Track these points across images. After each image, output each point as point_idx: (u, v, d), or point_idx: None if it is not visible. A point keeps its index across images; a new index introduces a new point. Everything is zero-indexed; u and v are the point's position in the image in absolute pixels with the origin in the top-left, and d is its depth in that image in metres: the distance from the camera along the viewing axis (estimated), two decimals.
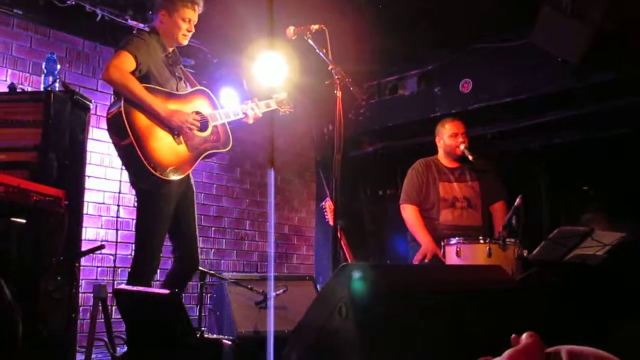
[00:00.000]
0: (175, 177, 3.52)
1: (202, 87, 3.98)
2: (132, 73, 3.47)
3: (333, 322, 1.94)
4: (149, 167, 3.36)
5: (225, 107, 4.06)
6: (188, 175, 3.79)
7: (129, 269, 3.83)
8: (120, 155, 3.59)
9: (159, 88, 3.62)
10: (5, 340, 1.88)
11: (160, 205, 3.60)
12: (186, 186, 3.83)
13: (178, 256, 3.90)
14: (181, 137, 3.61)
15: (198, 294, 4.47)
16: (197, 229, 3.97)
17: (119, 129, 3.42)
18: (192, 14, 3.82)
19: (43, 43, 5.12)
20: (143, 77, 3.55)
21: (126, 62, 3.47)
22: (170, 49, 3.85)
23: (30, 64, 5.00)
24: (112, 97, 3.88)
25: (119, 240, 5.46)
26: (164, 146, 3.54)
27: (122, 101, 3.41)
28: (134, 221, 3.90)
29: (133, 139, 3.36)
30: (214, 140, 3.83)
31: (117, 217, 5.49)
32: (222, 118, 3.88)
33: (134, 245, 3.87)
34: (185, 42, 3.89)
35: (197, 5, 3.83)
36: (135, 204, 5.11)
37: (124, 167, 3.74)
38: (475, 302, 2.08)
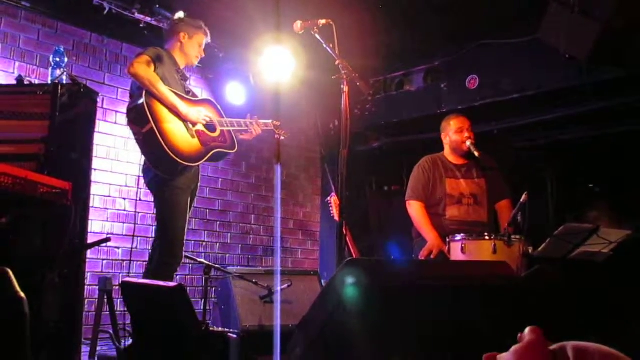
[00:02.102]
0: (188, 164, 3.82)
1: (209, 98, 4.34)
2: None
3: (337, 317, 1.95)
4: (168, 150, 3.65)
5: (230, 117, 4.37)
6: (198, 174, 4.14)
7: (154, 262, 4.01)
8: (141, 144, 3.83)
9: (173, 90, 3.94)
10: (15, 334, 1.89)
11: (178, 198, 3.90)
12: (195, 185, 4.14)
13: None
14: (194, 132, 3.93)
15: (203, 288, 4.47)
16: None
17: (140, 118, 3.72)
18: (204, 41, 4.33)
19: (51, 36, 5.13)
20: None
21: (147, 62, 3.85)
22: (181, 67, 4.23)
23: (38, 56, 5.02)
24: (129, 97, 4.10)
25: (124, 233, 5.49)
26: (180, 136, 3.85)
27: (144, 93, 3.74)
28: (156, 216, 4.09)
29: (154, 124, 3.66)
30: (222, 141, 4.14)
31: (135, 210, 5.52)
32: (227, 125, 4.21)
33: (158, 239, 4.02)
34: (195, 64, 4.39)
35: (209, 35, 4.36)
36: (141, 198, 5.16)
37: (143, 157, 3.93)
38: (480, 298, 2.09)
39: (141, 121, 3.73)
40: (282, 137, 4.65)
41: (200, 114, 4.00)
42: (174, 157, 3.69)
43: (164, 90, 3.81)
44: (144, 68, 3.79)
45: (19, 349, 1.88)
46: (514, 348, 0.93)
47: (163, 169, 3.82)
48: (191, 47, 4.22)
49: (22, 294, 1.99)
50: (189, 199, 4.04)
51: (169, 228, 3.92)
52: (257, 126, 4.36)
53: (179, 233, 3.92)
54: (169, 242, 3.92)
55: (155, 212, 4.09)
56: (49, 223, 2.79)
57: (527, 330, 0.94)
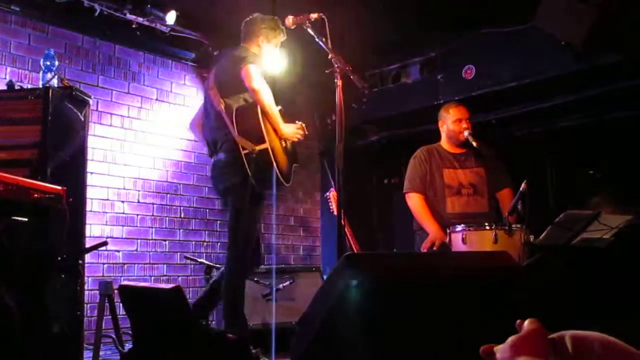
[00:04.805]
0: (288, 184, 3.98)
1: None
2: None
3: (337, 313, 1.92)
4: (278, 172, 3.77)
5: None
6: None
7: (231, 268, 3.97)
8: (248, 159, 3.75)
9: None
10: (4, 342, 1.86)
11: (259, 207, 4.05)
12: None
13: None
14: (284, 148, 4.04)
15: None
16: None
17: (255, 135, 3.75)
18: (280, 40, 4.30)
19: (42, 40, 5.10)
20: None
21: (262, 75, 3.90)
22: None
23: (30, 61, 4.99)
24: (220, 101, 4.01)
25: (124, 236, 5.46)
26: (282, 155, 3.98)
27: (259, 111, 3.79)
28: (233, 223, 4.01)
29: (269, 145, 3.74)
30: (292, 154, 4.24)
31: (135, 212, 5.51)
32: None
33: (236, 245, 3.98)
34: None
35: (285, 32, 4.27)
36: (139, 200, 5.14)
37: (249, 171, 3.83)
38: (481, 289, 2.06)
39: (255, 139, 3.75)
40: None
41: (292, 131, 4.05)
42: (282, 178, 3.82)
43: (275, 112, 3.87)
44: (265, 87, 3.83)
45: (9, 357, 1.85)
46: (511, 338, 0.91)
47: (262, 184, 3.85)
48: (267, 50, 4.24)
49: (11, 302, 1.96)
50: None
51: (249, 236, 3.95)
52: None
53: (251, 243, 3.99)
54: (244, 249, 3.95)
55: (230, 219, 4.04)
56: (44, 229, 2.76)
57: (526, 321, 0.92)
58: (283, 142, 4.05)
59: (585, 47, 4.73)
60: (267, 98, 3.82)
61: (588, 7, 4.51)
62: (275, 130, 3.94)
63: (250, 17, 4.30)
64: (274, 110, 3.86)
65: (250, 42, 4.23)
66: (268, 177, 3.80)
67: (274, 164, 3.74)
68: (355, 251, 4.94)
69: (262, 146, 3.72)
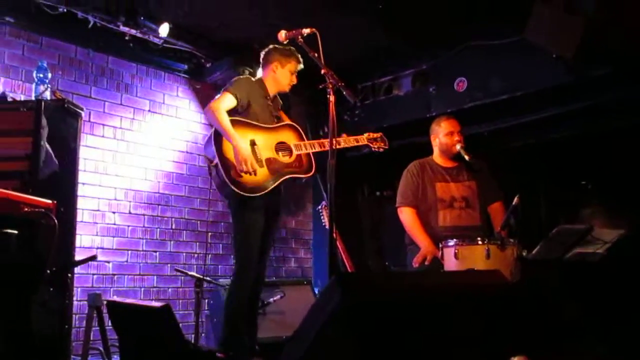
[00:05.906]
0: (252, 194, 3.96)
1: (291, 123, 4.47)
2: (235, 109, 4.09)
3: (327, 332, 1.91)
4: (230, 184, 3.88)
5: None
6: (278, 193, 4.25)
7: (233, 279, 4.15)
8: (210, 174, 4.09)
9: (246, 120, 4.13)
10: None
11: (253, 218, 4.06)
12: (275, 203, 4.27)
13: None
14: (263, 161, 4.08)
15: (195, 301, 4.43)
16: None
17: (210, 151, 4.02)
18: (296, 68, 4.42)
19: (35, 51, 5.10)
20: (244, 111, 4.15)
21: (226, 101, 4.07)
22: (272, 95, 4.41)
23: (23, 72, 4.99)
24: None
25: (115, 247, 5.44)
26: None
27: (213, 131, 4.04)
28: (232, 234, 4.34)
29: (219, 161, 3.92)
30: (296, 167, 4.27)
31: (125, 223, 5.49)
32: (306, 148, 4.32)
33: (235, 255, 4.23)
34: (288, 90, 4.50)
35: (301, 62, 4.39)
36: (131, 211, 5.11)
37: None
38: (473, 309, 2.05)
39: (212, 154, 3.99)
40: (380, 149, 4.85)
41: (241, 162, 3.93)
42: (236, 189, 3.88)
43: (226, 128, 3.94)
44: (214, 111, 3.99)
45: None
46: None
47: (230, 198, 4.11)
48: (283, 75, 4.37)
49: None
50: (267, 218, 4.16)
51: (243, 247, 4.07)
52: (344, 142, 4.51)
53: (252, 252, 4.06)
54: (241, 259, 4.08)
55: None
56: (33, 242, 2.74)
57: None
58: (260, 153, 4.07)
59: (575, 60, 4.74)
60: (215, 117, 3.97)
61: (576, 19, 4.53)
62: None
63: (267, 48, 4.45)
64: (224, 126, 3.95)
65: (267, 70, 4.40)
66: (228, 190, 3.93)
67: (225, 177, 3.86)
68: (347, 265, 4.93)
69: (214, 162, 3.95)
